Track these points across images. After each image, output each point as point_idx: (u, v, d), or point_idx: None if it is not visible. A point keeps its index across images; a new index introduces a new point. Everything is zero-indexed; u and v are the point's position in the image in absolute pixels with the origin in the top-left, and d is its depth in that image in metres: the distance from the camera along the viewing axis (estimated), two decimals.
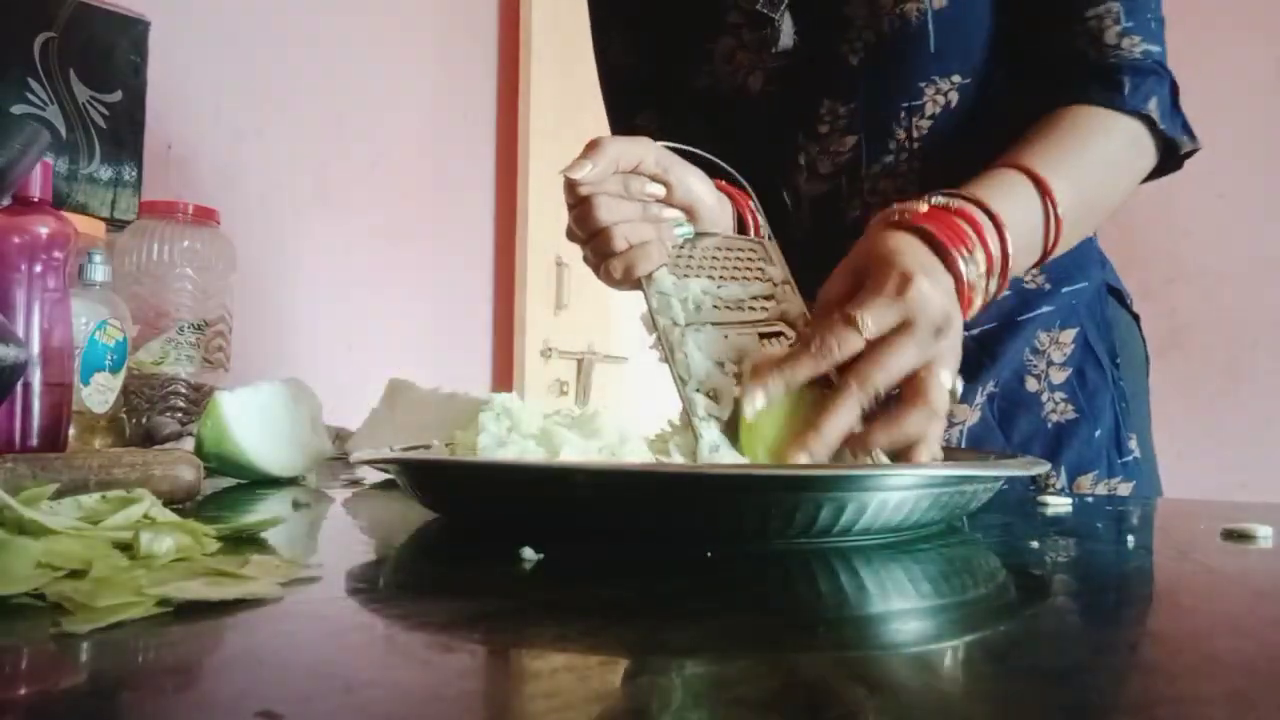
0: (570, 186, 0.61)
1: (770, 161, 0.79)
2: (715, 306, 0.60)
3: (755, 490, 0.42)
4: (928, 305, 0.53)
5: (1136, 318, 0.91)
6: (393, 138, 1.98)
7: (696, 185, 0.66)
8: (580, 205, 0.62)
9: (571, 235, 0.65)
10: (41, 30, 1.38)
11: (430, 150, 2.07)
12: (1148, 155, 0.74)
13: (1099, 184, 0.71)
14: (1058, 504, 0.62)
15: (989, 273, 0.59)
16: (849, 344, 0.52)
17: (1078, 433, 0.81)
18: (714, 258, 0.64)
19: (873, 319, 0.52)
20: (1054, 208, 0.65)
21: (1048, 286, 0.82)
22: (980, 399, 0.80)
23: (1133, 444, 0.84)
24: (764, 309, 0.62)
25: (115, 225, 1.34)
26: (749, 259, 0.64)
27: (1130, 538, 0.47)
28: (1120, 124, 0.72)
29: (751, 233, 0.70)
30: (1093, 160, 0.70)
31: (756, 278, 0.63)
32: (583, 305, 2.30)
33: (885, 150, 0.77)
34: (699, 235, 0.65)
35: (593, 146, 0.61)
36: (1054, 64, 0.74)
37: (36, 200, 0.69)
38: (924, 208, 0.59)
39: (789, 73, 0.79)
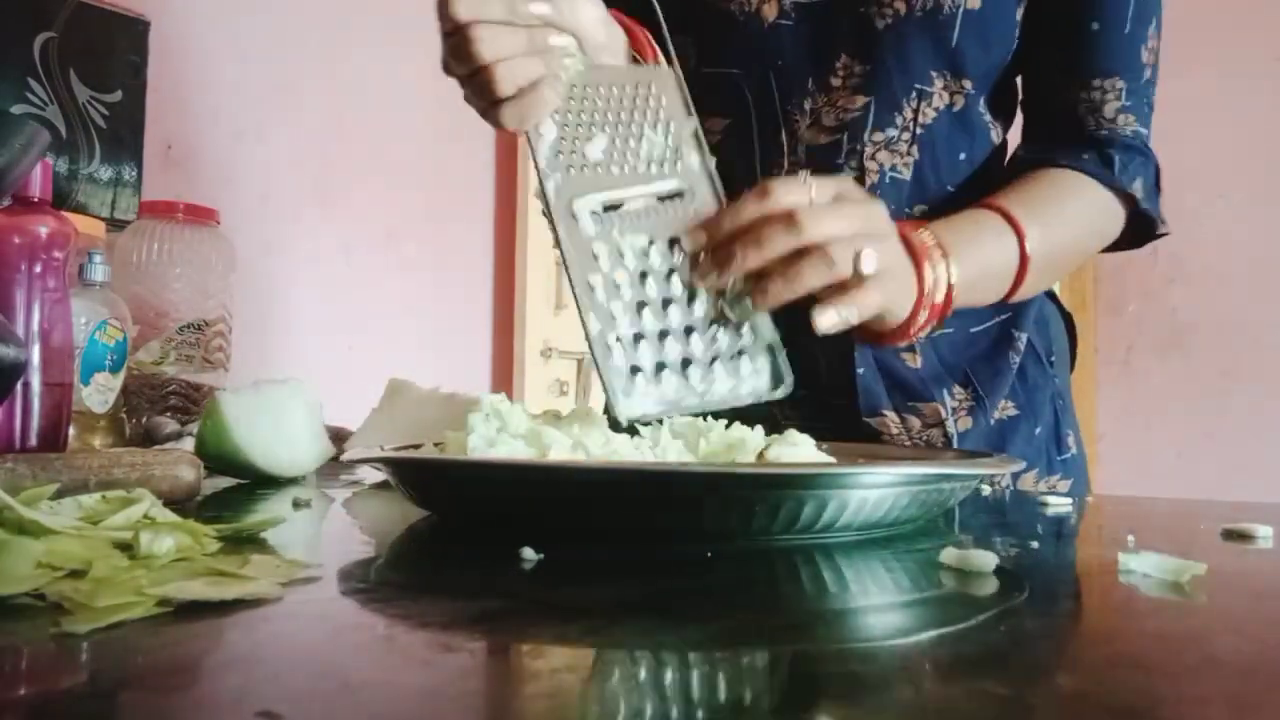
0: (443, 11, 0.52)
1: (773, 97, 0.79)
2: (614, 169, 0.55)
3: (741, 488, 0.43)
4: (855, 192, 0.59)
5: (1068, 316, 0.92)
6: (393, 138, 1.98)
7: (585, 9, 0.58)
8: (457, 35, 0.53)
9: (448, 70, 0.56)
10: (41, 30, 1.38)
11: (430, 150, 2.07)
12: (1116, 225, 0.79)
13: (1069, 243, 0.76)
14: (1058, 504, 0.62)
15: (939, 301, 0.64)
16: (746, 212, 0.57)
17: (1019, 430, 0.81)
18: (609, 100, 0.56)
19: (781, 188, 0.58)
20: (1024, 253, 0.69)
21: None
22: (951, 402, 0.80)
23: (1070, 441, 0.85)
24: (668, 171, 0.56)
25: (115, 225, 1.34)
26: (649, 98, 0.57)
27: (1130, 537, 0.46)
28: (1102, 195, 0.76)
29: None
30: (1069, 220, 0.75)
31: (659, 121, 0.56)
32: None
33: (891, 122, 0.77)
34: (593, 69, 0.56)
35: None
36: (1053, 118, 0.79)
37: (36, 200, 0.69)
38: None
39: (810, 12, 0.77)
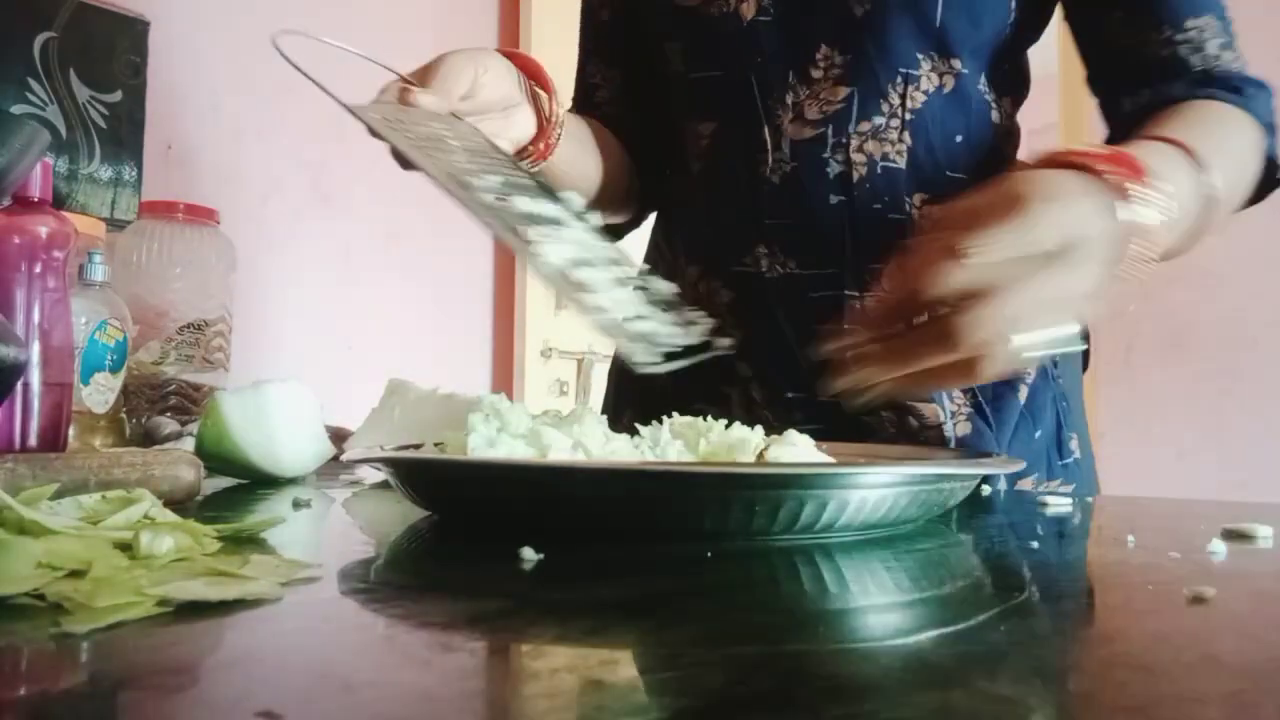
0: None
1: (754, 94, 0.79)
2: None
3: (740, 488, 0.43)
4: (1036, 226, 0.45)
5: None
6: None
7: (490, 92, 0.66)
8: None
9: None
10: (41, 30, 1.38)
11: None
12: (1257, 167, 0.70)
13: (1237, 183, 0.66)
14: (1058, 503, 0.62)
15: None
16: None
17: (1018, 434, 0.79)
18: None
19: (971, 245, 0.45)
20: (1212, 189, 0.59)
21: None
22: (950, 405, 0.77)
23: (1074, 445, 0.82)
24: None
25: (115, 225, 1.34)
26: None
27: (1130, 537, 0.47)
28: (1250, 124, 0.69)
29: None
30: (1236, 151, 0.66)
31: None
32: None
33: (877, 110, 0.76)
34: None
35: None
36: (1147, 69, 0.73)
37: (36, 200, 0.69)
38: (1087, 149, 0.52)
39: (788, 6, 0.78)
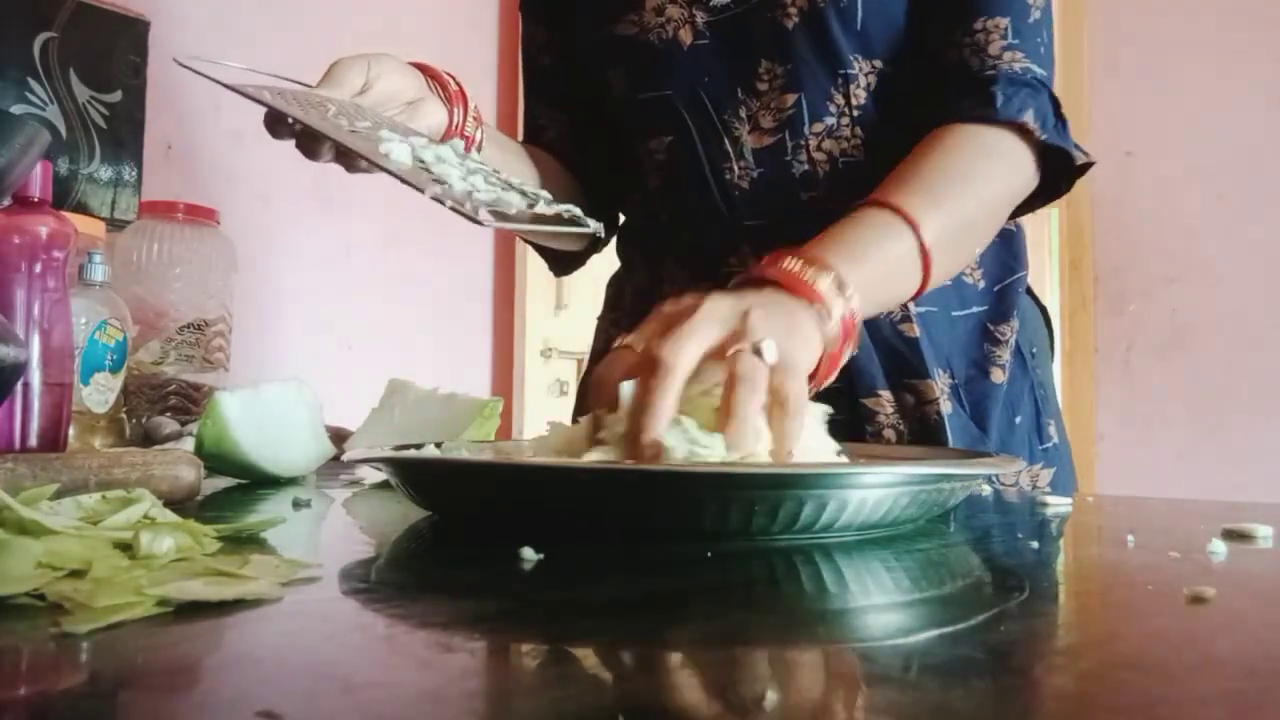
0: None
1: (708, 111, 0.82)
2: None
3: (741, 487, 0.43)
4: (715, 303, 0.53)
5: (1044, 309, 0.93)
6: None
7: (392, 87, 0.71)
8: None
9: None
10: (41, 30, 1.38)
11: None
12: (1024, 168, 0.74)
13: (973, 210, 0.72)
14: (1058, 504, 0.62)
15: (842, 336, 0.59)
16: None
17: (1000, 422, 0.82)
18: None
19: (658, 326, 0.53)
20: (923, 243, 0.66)
21: (984, 283, 0.83)
22: (940, 381, 0.80)
23: (1051, 430, 0.86)
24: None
25: (115, 225, 1.34)
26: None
27: (1130, 537, 0.47)
28: (991, 138, 0.73)
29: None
30: (964, 184, 0.71)
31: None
32: (583, 305, 2.29)
33: (826, 112, 0.79)
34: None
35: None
36: (944, 72, 0.76)
37: (36, 200, 0.69)
38: (776, 267, 0.59)
39: (723, 28, 0.80)
